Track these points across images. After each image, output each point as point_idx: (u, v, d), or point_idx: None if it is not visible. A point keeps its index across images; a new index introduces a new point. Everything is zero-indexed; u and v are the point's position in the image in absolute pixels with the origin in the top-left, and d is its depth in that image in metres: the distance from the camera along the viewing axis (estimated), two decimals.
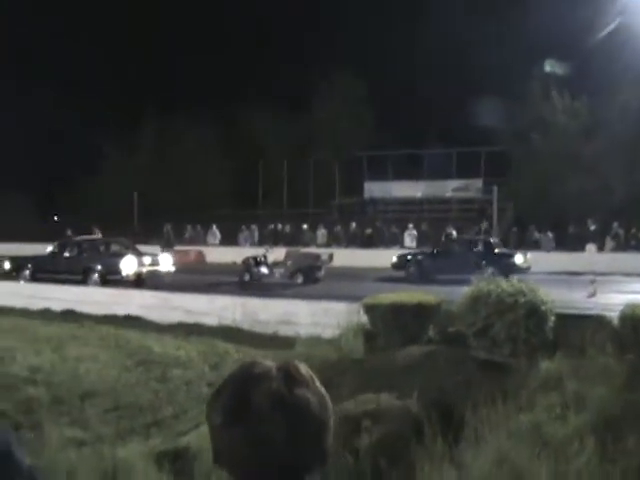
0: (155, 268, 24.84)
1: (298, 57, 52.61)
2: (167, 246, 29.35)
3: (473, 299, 9.26)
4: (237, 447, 1.35)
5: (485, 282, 9.60)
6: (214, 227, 38.86)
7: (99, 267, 24.02)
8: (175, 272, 26.40)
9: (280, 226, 38.82)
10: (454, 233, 32.38)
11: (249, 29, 60.07)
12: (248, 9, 60.44)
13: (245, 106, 53.02)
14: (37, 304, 19.05)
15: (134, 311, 17.38)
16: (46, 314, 18.00)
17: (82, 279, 23.55)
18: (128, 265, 23.84)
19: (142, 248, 27.70)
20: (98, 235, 30.65)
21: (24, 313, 18.06)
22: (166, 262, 25.49)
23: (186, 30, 63.10)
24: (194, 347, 13.13)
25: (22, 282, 24.06)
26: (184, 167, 54.11)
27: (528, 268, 24.94)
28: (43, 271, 24.66)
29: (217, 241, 38.37)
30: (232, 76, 57.07)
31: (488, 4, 43.98)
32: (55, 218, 51.13)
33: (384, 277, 24.77)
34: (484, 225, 33.07)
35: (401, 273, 25.71)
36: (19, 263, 25.66)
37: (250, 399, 1.35)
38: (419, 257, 26.49)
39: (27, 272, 25.14)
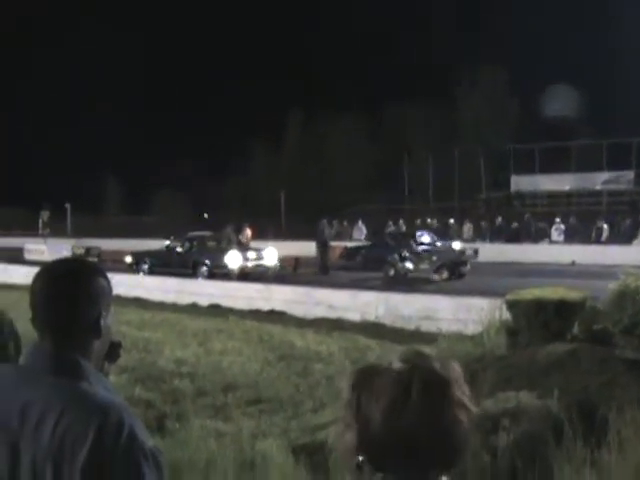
0: (260, 263, 26.01)
1: (443, 49, 52.00)
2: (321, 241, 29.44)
3: (619, 295, 8.84)
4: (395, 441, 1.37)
5: (633, 277, 9.17)
6: (360, 222, 38.95)
7: (207, 261, 25.49)
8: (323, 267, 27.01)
9: (428, 220, 38.52)
10: (605, 227, 31.30)
11: (393, 25, 59.84)
12: (391, 6, 60.31)
13: (390, 100, 53.18)
14: (185, 299, 19.80)
15: (278, 306, 17.73)
16: (193, 309, 18.70)
17: (192, 272, 25.10)
18: (233, 260, 25.16)
19: (288, 245, 28.52)
20: (248, 233, 31.43)
21: (173, 308, 18.82)
22: (271, 257, 26.51)
23: (330, 29, 63.67)
24: (336, 342, 13.25)
25: (141, 274, 25.84)
26: (331, 163, 54.74)
27: None
28: (159, 265, 26.46)
29: (363, 236, 38.35)
30: (377, 72, 57.18)
31: None
32: (205, 215, 52.78)
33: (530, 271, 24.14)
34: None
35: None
36: (138, 257, 27.69)
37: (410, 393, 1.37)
38: (363, 249, 28.49)
39: (145, 266, 27.02)
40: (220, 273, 24.84)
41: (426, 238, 26.98)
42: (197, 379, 10.35)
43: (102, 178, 64.78)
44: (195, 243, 26.97)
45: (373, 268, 25.97)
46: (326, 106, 53.45)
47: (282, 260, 27.92)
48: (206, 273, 25.18)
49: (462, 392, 1.41)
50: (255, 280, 22.91)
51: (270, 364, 11.53)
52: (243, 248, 26.68)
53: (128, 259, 27.75)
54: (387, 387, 1.38)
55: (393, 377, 1.39)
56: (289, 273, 27.18)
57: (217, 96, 63.25)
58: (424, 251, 25.08)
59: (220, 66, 66.61)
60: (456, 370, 1.44)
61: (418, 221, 38.05)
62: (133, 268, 27.01)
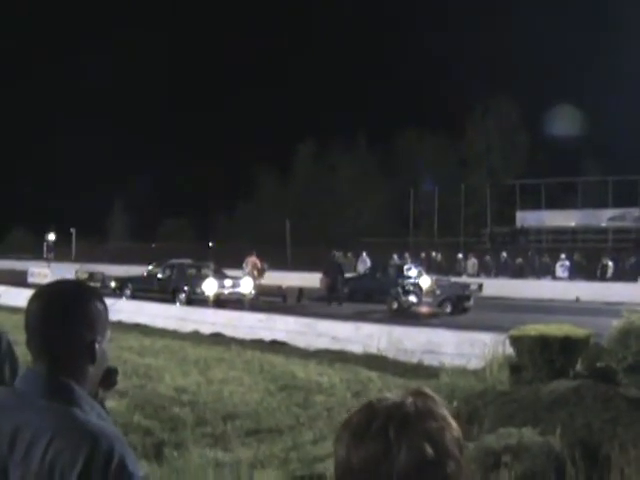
0: (235, 290, 26.84)
1: (454, 84, 52.26)
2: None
3: (623, 333, 8.81)
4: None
5: (637, 315, 9.12)
6: (364, 254, 38.72)
7: (185, 288, 26.47)
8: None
9: (434, 254, 38.40)
10: (610, 264, 31.19)
11: (406, 58, 60.20)
12: (407, 38, 60.72)
13: (399, 133, 53.30)
14: (188, 327, 19.78)
15: (280, 336, 17.64)
16: (195, 336, 18.61)
17: (171, 298, 26.14)
18: (209, 287, 26.13)
19: (294, 275, 29.02)
20: (254, 261, 31.41)
21: (175, 335, 18.75)
22: (247, 286, 27.33)
23: (342, 60, 63.94)
24: (337, 374, 13.14)
25: (124, 299, 26.33)
26: (339, 195, 54.79)
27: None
28: (140, 290, 27.55)
29: (367, 269, 38.08)
30: (387, 104, 57.36)
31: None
32: (210, 244, 52.76)
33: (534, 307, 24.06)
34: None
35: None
36: (122, 283, 28.90)
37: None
38: (350, 281, 29.90)
39: (128, 291, 28.15)
40: (197, 299, 25.79)
41: (413, 272, 27.04)
42: (197, 407, 10.24)
43: (108, 203, 64.86)
44: (175, 270, 28.02)
45: (358, 300, 27.21)
46: (337, 137, 53.76)
47: (285, 290, 28.16)
48: (184, 299, 26.10)
49: (427, 432, 1.30)
50: (257, 310, 22.85)
51: (271, 394, 11.44)
52: (221, 276, 27.57)
53: (112, 284, 28.87)
54: (352, 423, 1.33)
55: (363, 413, 1.33)
56: (293, 304, 27.18)
57: (227, 124, 63.33)
58: (411, 284, 25.08)
59: (232, 95, 66.80)
60: (435, 408, 1.34)
61: (422, 255, 37.88)
62: (117, 293, 27.85)
